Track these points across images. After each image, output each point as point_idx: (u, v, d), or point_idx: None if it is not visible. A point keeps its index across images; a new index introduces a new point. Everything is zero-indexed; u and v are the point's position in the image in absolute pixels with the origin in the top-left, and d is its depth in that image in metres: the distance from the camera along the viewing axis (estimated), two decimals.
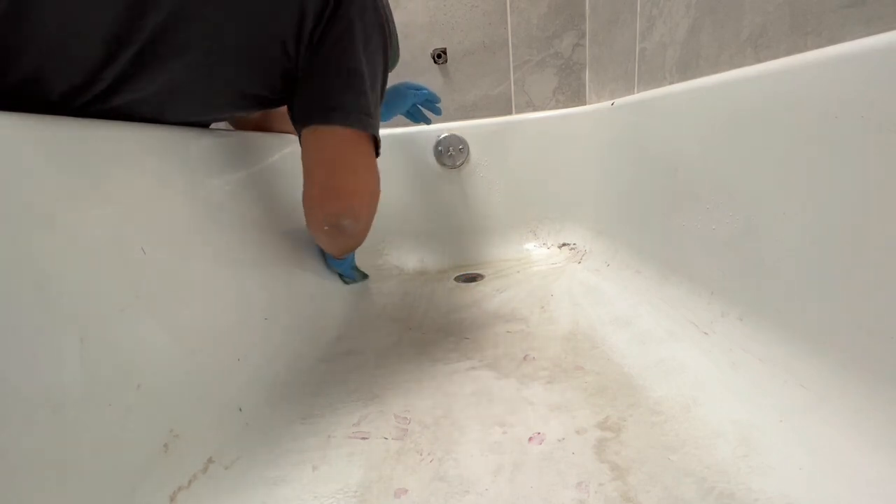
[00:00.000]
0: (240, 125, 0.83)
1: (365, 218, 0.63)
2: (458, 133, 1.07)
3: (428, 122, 0.97)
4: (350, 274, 0.89)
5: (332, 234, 0.62)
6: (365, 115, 0.55)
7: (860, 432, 0.35)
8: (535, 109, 1.15)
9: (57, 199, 0.35)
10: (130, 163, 0.44)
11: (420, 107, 0.94)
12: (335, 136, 0.55)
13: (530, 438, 0.44)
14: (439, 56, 1.12)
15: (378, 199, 0.63)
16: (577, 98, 1.14)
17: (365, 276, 0.95)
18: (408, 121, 0.97)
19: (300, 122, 0.56)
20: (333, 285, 0.87)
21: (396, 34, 0.66)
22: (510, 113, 1.16)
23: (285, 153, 0.82)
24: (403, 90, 0.89)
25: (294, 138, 0.86)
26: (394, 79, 0.71)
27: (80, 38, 0.44)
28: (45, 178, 0.35)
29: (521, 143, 1.08)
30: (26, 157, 0.34)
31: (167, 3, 0.45)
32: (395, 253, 1.11)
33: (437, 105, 0.95)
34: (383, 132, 0.63)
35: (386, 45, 0.58)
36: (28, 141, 0.34)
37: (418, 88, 0.91)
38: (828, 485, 0.34)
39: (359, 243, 0.70)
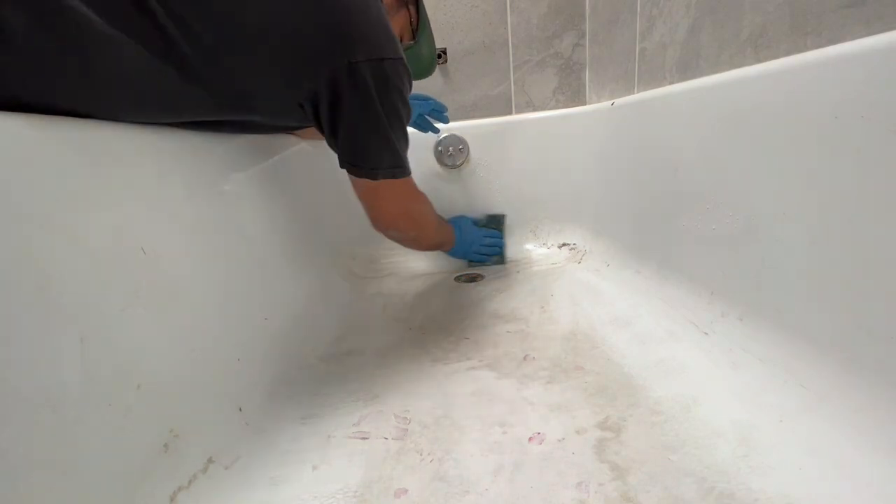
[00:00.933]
0: None
1: (410, 231, 0.78)
2: (458, 133, 1.07)
3: (436, 131, 0.99)
4: (476, 258, 1.00)
5: (397, 241, 0.80)
6: (392, 167, 0.63)
7: (860, 432, 0.35)
8: (535, 109, 1.15)
9: (57, 199, 0.35)
10: (131, 163, 0.44)
11: (427, 116, 0.95)
12: (372, 184, 0.64)
13: (530, 438, 0.44)
14: (439, 56, 1.12)
15: (414, 212, 0.76)
16: (577, 98, 1.14)
17: (501, 260, 1.02)
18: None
19: (341, 163, 0.63)
20: (333, 285, 0.87)
21: (431, 49, 0.79)
22: (510, 113, 1.16)
23: (287, 154, 0.82)
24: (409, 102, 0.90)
25: (296, 139, 0.87)
26: None
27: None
28: (45, 178, 0.35)
29: (521, 143, 1.07)
30: (26, 157, 0.34)
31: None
32: (395, 253, 1.11)
33: (445, 114, 0.96)
34: None
35: (398, 95, 0.59)
36: (28, 141, 0.34)
37: (425, 99, 0.93)
38: (828, 485, 0.34)
39: (426, 243, 0.86)
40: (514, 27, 1.10)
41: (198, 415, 0.44)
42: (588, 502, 0.36)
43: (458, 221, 0.98)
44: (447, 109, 0.96)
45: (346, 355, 0.65)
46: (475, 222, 1.03)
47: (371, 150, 0.60)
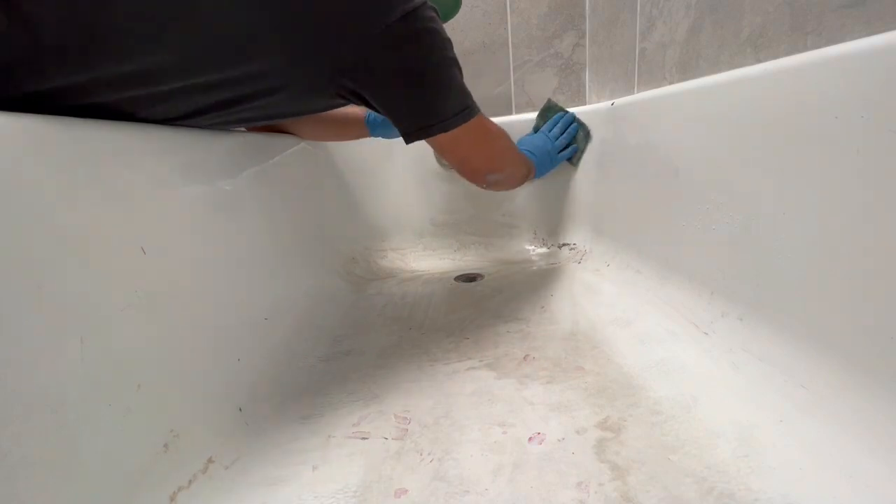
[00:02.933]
0: None
1: (507, 166, 0.76)
2: None
3: None
4: (565, 157, 0.94)
5: (499, 186, 0.78)
6: (461, 110, 0.60)
7: (860, 432, 0.35)
8: (536, 109, 1.15)
9: (57, 199, 0.35)
10: (130, 163, 0.44)
11: None
12: (445, 140, 0.62)
13: (530, 438, 0.44)
14: None
15: (501, 146, 0.73)
16: (577, 98, 1.14)
17: (587, 134, 0.93)
18: None
19: (408, 133, 0.62)
20: (333, 285, 0.87)
21: None
22: (510, 113, 1.16)
23: (287, 154, 0.82)
24: None
25: (296, 139, 0.87)
26: None
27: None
28: (45, 178, 0.35)
29: None
30: (26, 157, 0.34)
31: None
32: (395, 253, 1.11)
33: None
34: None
35: (436, 37, 0.56)
36: (28, 141, 0.34)
37: None
38: (828, 485, 0.34)
39: (520, 175, 0.81)
40: (514, 27, 1.10)
41: (198, 415, 0.44)
42: (588, 502, 0.36)
43: (521, 143, 0.89)
44: None
45: (346, 355, 0.65)
46: (534, 129, 0.97)
47: (431, 105, 0.58)
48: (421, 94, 0.57)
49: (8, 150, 0.33)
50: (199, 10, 0.46)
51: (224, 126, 0.61)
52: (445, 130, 0.60)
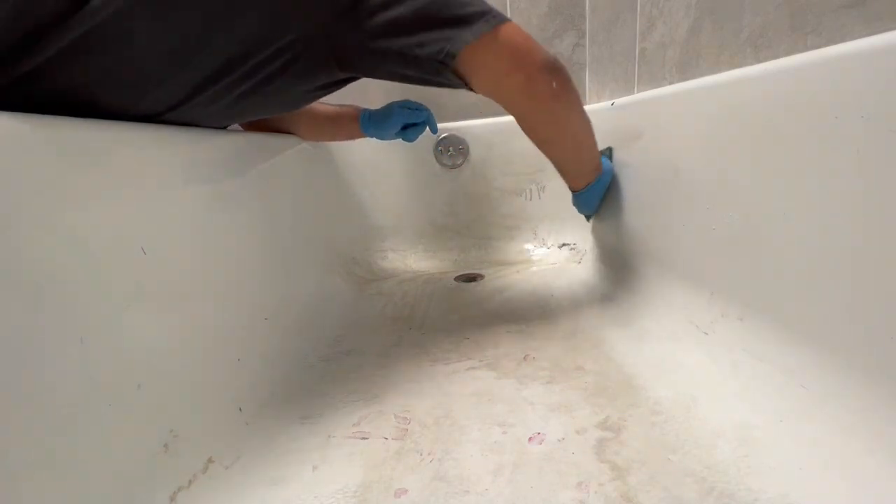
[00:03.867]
0: (243, 125, 0.83)
1: (562, 71, 0.60)
2: (457, 133, 1.07)
3: (435, 131, 0.88)
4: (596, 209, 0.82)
5: (561, 94, 0.60)
6: (488, 16, 0.53)
7: (860, 432, 0.35)
8: None
9: (57, 199, 0.35)
10: (130, 163, 0.44)
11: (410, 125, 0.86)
12: (477, 52, 0.53)
13: (530, 438, 0.44)
14: None
15: (543, 50, 0.58)
16: None
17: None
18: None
19: (429, 73, 0.55)
20: (333, 285, 0.87)
21: None
22: None
23: (287, 154, 0.82)
24: (396, 110, 0.82)
25: (296, 139, 0.86)
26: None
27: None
28: (45, 178, 0.35)
29: (521, 143, 1.07)
30: (26, 157, 0.34)
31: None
32: (395, 253, 1.11)
33: (434, 125, 0.87)
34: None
35: None
36: (28, 141, 0.34)
37: (418, 108, 0.84)
38: (828, 485, 0.34)
39: (578, 103, 0.65)
40: None
41: (198, 415, 0.44)
42: (588, 502, 0.36)
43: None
44: (435, 121, 0.87)
45: (346, 355, 0.65)
46: None
47: (444, 22, 0.51)
48: (426, 18, 0.51)
49: (8, 150, 0.33)
50: None
51: (221, 115, 0.59)
52: (476, 38, 0.52)
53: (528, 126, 0.66)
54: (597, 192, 0.77)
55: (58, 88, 0.45)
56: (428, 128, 0.87)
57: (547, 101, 0.60)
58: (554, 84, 0.58)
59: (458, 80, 0.57)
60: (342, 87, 0.62)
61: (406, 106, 0.83)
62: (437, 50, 0.52)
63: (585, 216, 0.87)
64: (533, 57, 0.56)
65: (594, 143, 0.70)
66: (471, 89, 0.59)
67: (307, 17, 0.51)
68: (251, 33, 0.50)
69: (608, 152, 0.82)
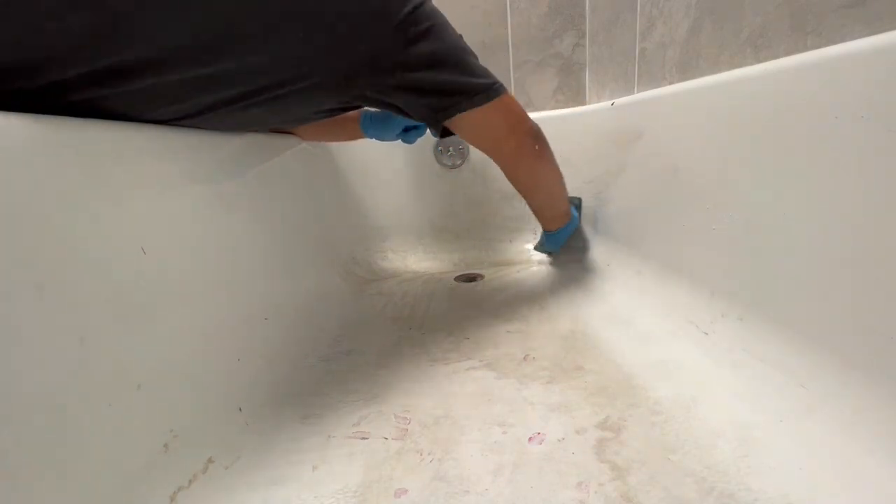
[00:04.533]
0: None
1: (540, 137, 0.73)
2: None
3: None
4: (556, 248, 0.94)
5: (539, 156, 0.73)
6: (492, 86, 0.62)
7: (860, 432, 0.35)
8: (535, 109, 1.15)
9: (57, 199, 0.35)
10: (130, 163, 0.44)
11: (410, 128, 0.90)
12: (476, 118, 0.62)
13: (530, 438, 0.44)
14: None
15: (536, 128, 0.71)
16: (577, 98, 1.14)
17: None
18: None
19: (433, 119, 0.61)
20: (333, 285, 0.87)
21: None
22: None
23: (288, 154, 0.82)
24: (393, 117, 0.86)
25: (296, 139, 0.86)
26: None
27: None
28: (45, 178, 0.35)
29: None
30: (26, 157, 0.34)
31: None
32: (395, 253, 1.11)
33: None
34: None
35: (442, 24, 0.58)
36: (28, 141, 0.34)
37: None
38: (828, 485, 0.34)
39: (551, 162, 0.77)
40: (514, 27, 1.10)
41: (198, 415, 0.44)
42: (588, 502, 0.36)
43: None
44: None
45: (346, 355, 0.65)
46: None
47: (455, 82, 0.59)
48: (442, 75, 0.57)
49: (8, 150, 0.33)
50: None
51: (228, 128, 0.60)
52: (473, 105, 0.60)
53: (514, 177, 0.77)
54: (565, 234, 0.90)
55: (81, 104, 0.45)
56: (428, 130, 0.87)
57: (530, 159, 0.72)
58: (536, 147, 0.71)
59: (442, 131, 0.65)
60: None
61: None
62: (444, 107, 0.60)
63: (547, 253, 0.99)
64: (523, 126, 0.69)
65: (565, 194, 0.84)
66: (443, 136, 0.69)
67: (338, 64, 0.53)
68: (281, 75, 0.52)
69: (577, 202, 0.95)
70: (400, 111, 0.61)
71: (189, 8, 0.45)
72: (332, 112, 0.62)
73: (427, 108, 0.60)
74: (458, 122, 0.62)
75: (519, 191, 0.80)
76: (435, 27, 0.55)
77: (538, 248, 0.98)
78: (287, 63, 0.51)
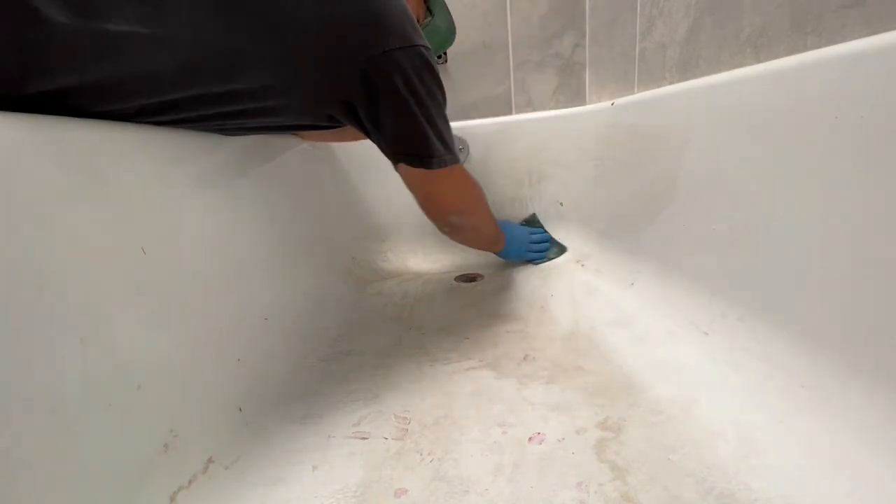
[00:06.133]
0: None
1: (469, 217, 0.74)
2: (458, 133, 1.07)
3: None
4: (533, 256, 0.94)
5: (454, 232, 0.76)
6: (445, 154, 0.62)
7: (860, 432, 0.35)
8: (535, 109, 1.15)
9: (57, 199, 0.35)
10: (131, 163, 0.44)
11: None
12: (420, 174, 0.63)
13: (530, 438, 0.44)
14: (439, 56, 1.12)
15: (471, 197, 0.74)
16: (577, 98, 1.14)
17: (560, 251, 0.96)
18: None
19: (388, 157, 0.64)
20: (333, 285, 0.87)
21: (448, 18, 0.83)
22: (510, 113, 1.16)
23: (288, 155, 0.82)
24: None
25: (297, 140, 0.87)
26: None
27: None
28: (45, 178, 0.35)
29: (521, 143, 1.07)
30: (26, 157, 0.34)
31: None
32: (395, 253, 1.11)
33: None
34: None
35: (434, 81, 0.59)
36: (28, 141, 0.34)
37: None
38: (828, 485, 0.34)
39: (485, 233, 0.82)
40: (514, 27, 1.10)
41: (198, 415, 0.44)
42: (588, 502, 0.36)
43: (501, 223, 0.92)
44: None
45: (346, 355, 0.65)
46: None
47: (422, 139, 0.59)
48: (414, 123, 0.58)
49: (8, 150, 0.33)
50: (206, 25, 0.47)
51: (225, 133, 0.61)
52: (428, 168, 0.61)
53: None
54: (514, 248, 0.93)
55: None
56: None
57: (447, 233, 0.76)
58: (447, 228, 0.74)
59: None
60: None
61: None
62: (404, 151, 0.61)
63: (531, 261, 0.97)
64: (440, 210, 0.71)
65: (494, 229, 0.84)
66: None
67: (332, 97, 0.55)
68: (264, 88, 0.52)
69: (533, 218, 1.03)
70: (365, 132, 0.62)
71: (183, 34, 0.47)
72: (317, 126, 0.63)
73: (387, 145, 0.61)
74: (403, 172, 0.64)
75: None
76: (422, 71, 0.55)
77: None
78: (274, 86, 0.52)
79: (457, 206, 0.71)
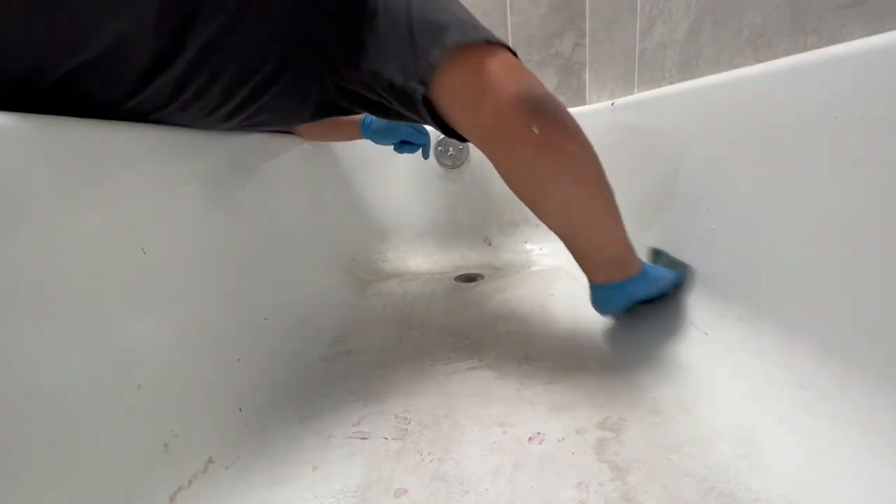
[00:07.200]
0: None
1: (557, 117, 0.47)
2: None
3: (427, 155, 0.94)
4: (663, 289, 0.58)
5: (544, 134, 0.46)
6: (458, 32, 0.44)
7: (860, 432, 0.35)
8: None
9: (57, 199, 0.35)
10: (130, 163, 0.44)
11: (408, 142, 0.91)
12: (445, 72, 0.44)
13: (530, 438, 0.44)
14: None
15: (541, 90, 0.47)
16: (577, 98, 1.14)
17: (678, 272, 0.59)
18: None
19: (409, 88, 0.46)
20: (333, 285, 0.87)
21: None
22: None
23: (288, 154, 0.82)
24: (404, 126, 0.87)
25: (298, 139, 0.87)
26: None
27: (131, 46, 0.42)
28: (45, 178, 0.35)
29: None
30: (26, 157, 0.34)
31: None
32: (395, 253, 1.11)
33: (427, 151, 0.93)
34: None
35: None
36: (28, 141, 0.34)
37: (422, 132, 0.89)
38: (828, 485, 0.34)
39: (588, 159, 0.52)
40: (514, 27, 1.10)
41: (198, 415, 0.44)
42: (588, 502, 0.36)
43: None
44: (430, 149, 0.94)
45: (346, 355, 0.65)
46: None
47: (426, 35, 0.44)
48: (409, 33, 0.44)
49: (8, 150, 0.33)
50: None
51: (210, 126, 0.58)
52: (444, 53, 0.43)
53: (508, 181, 0.51)
54: (621, 298, 0.57)
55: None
56: (421, 149, 0.93)
57: (522, 148, 0.46)
58: (534, 128, 0.45)
59: (434, 117, 0.48)
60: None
61: (413, 126, 0.88)
62: (415, 65, 0.44)
63: (609, 312, 0.63)
64: (508, 89, 0.44)
65: (614, 226, 0.53)
66: (450, 134, 0.50)
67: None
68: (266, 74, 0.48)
69: (665, 259, 0.62)
70: (382, 105, 0.53)
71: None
72: (328, 109, 0.58)
73: (397, 85, 0.46)
74: (436, 87, 0.45)
75: (526, 205, 0.53)
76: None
77: (595, 307, 0.61)
78: (272, 70, 0.48)
79: (538, 97, 0.45)
